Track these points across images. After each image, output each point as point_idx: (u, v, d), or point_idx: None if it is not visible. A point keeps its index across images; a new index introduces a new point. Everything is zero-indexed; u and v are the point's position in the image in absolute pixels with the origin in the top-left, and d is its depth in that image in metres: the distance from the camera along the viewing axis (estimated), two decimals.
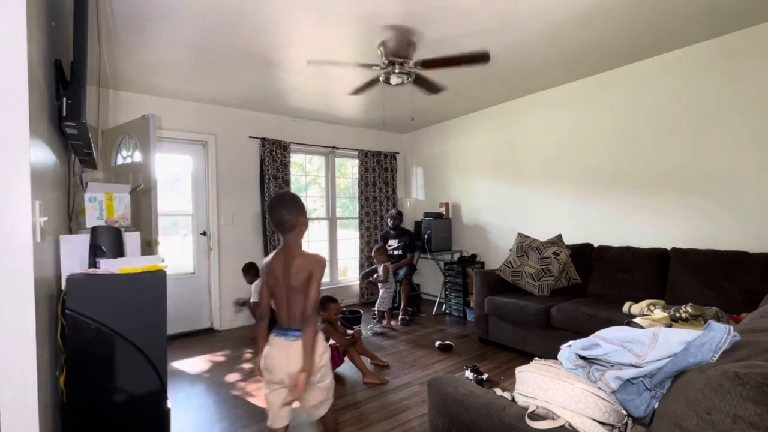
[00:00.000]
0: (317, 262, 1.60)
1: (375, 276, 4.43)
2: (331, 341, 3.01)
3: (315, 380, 1.63)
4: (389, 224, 4.92)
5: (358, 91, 3.42)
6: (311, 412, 1.70)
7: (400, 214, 4.89)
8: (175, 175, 4.28)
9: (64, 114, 1.45)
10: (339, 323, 3.22)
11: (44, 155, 1.35)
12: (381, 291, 4.30)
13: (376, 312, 4.29)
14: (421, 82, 3.15)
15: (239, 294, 4.25)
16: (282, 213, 1.60)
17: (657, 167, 3.22)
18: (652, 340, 0.96)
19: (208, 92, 3.86)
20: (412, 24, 2.58)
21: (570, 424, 0.99)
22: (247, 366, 3.20)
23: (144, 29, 2.59)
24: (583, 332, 2.35)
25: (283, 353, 1.57)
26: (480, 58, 2.76)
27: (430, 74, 3.12)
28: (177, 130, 4.03)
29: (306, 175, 5.29)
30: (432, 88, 3.28)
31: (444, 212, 5.07)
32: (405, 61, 2.86)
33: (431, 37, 2.75)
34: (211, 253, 4.29)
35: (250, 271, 4.10)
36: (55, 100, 1.56)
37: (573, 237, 3.74)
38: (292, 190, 4.70)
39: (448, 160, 5.22)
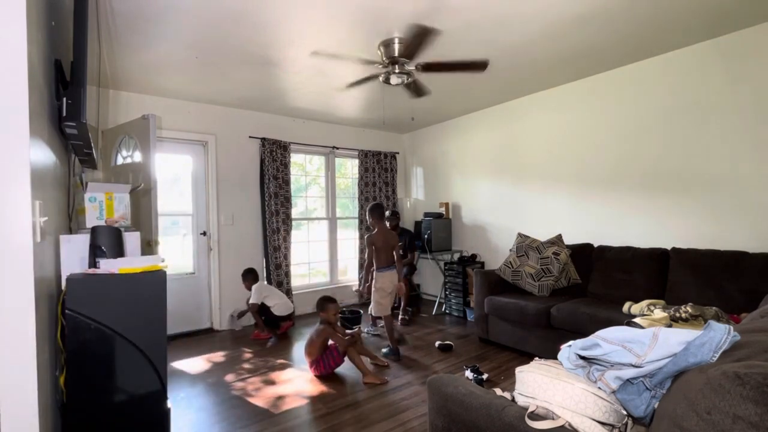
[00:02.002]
0: (397, 236, 3.58)
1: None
2: (331, 341, 3.01)
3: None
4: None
5: (354, 84, 3.45)
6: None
7: (395, 214, 4.80)
8: (175, 175, 4.28)
9: (64, 114, 1.45)
10: (338, 323, 3.21)
11: (44, 155, 1.35)
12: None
13: (370, 315, 4.26)
14: (408, 84, 3.15)
15: (238, 297, 4.25)
16: (382, 210, 3.50)
17: (657, 167, 3.22)
18: (652, 340, 0.95)
19: (208, 92, 3.86)
20: (411, 25, 2.58)
21: (570, 424, 0.99)
22: (247, 366, 3.20)
23: (144, 29, 2.59)
24: (583, 332, 2.35)
25: (388, 279, 3.41)
26: (479, 65, 2.78)
27: (424, 77, 3.12)
28: (177, 130, 4.03)
29: (306, 175, 5.29)
30: (418, 91, 3.29)
31: (444, 212, 5.07)
32: (405, 61, 2.87)
33: (431, 37, 2.74)
34: (211, 253, 4.29)
35: (249, 276, 4.12)
36: (55, 100, 1.56)
37: (573, 237, 3.74)
38: (291, 190, 4.71)
39: (448, 160, 5.22)
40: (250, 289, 4.07)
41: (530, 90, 4.03)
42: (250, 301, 3.93)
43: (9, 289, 1.06)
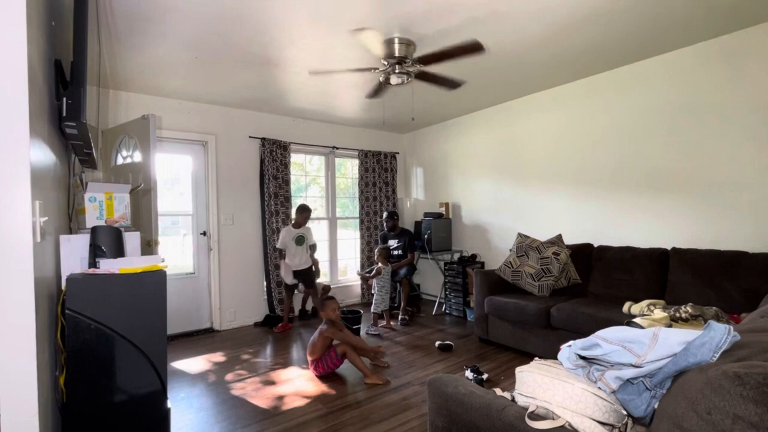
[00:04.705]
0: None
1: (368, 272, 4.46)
2: (334, 342, 3.01)
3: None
4: (385, 227, 4.90)
5: (373, 95, 3.55)
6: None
7: (393, 214, 4.80)
8: (175, 175, 4.28)
9: (64, 114, 1.45)
10: (339, 320, 3.20)
11: (44, 155, 1.35)
12: (374, 293, 4.29)
13: (371, 314, 4.26)
14: (438, 80, 3.16)
15: (239, 297, 4.26)
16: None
17: (657, 167, 3.22)
18: (652, 340, 0.95)
19: (208, 92, 3.86)
20: (410, 25, 2.58)
21: (570, 424, 0.99)
22: (247, 366, 3.20)
23: (144, 29, 2.59)
24: (583, 332, 2.35)
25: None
26: (473, 48, 2.76)
27: (442, 70, 3.12)
28: (177, 130, 4.03)
29: (306, 175, 5.29)
30: (450, 84, 3.28)
31: (444, 212, 5.06)
32: (405, 61, 2.86)
33: (430, 37, 2.75)
34: (211, 253, 4.29)
35: (305, 212, 4.35)
36: (55, 100, 1.56)
37: (573, 237, 3.74)
38: (291, 190, 4.71)
39: (448, 160, 5.22)
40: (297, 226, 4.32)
41: (530, 90, 4.03)
42: (278, 245, 4.26)
43: (9, 289, 1.06)
